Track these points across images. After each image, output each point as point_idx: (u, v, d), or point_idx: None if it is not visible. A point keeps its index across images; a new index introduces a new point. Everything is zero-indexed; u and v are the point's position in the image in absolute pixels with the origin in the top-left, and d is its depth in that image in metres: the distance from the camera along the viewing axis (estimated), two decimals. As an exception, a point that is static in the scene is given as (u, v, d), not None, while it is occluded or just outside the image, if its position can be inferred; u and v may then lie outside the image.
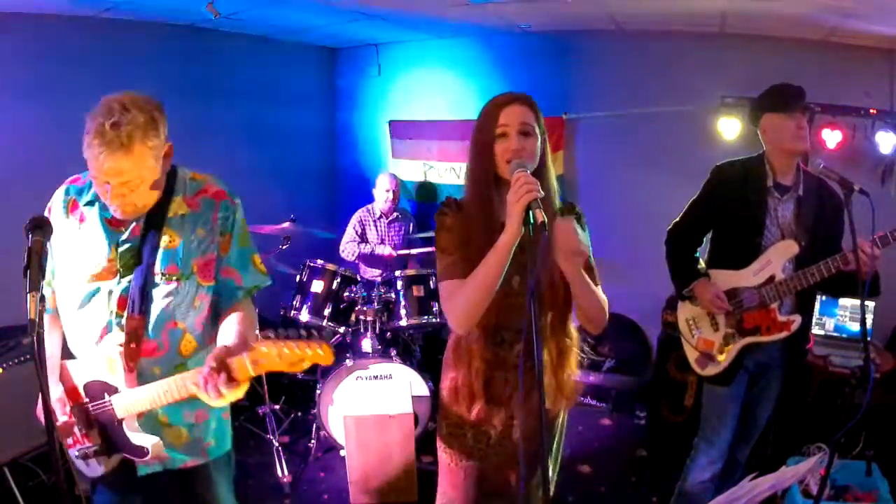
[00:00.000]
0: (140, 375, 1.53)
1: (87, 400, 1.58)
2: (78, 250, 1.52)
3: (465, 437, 1.69)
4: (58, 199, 1.58)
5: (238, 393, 1.38)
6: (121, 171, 1.39)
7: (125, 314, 1.50)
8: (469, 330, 1.57)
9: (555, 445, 1.77)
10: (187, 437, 1.62)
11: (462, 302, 1.50)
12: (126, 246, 1.52)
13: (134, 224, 1.53)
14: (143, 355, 1.53)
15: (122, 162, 1.38)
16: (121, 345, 1.50)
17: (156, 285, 1.52)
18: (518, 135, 1.48)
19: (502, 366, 1.61)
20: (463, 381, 1.64)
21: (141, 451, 1.54)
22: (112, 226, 1.53)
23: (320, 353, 1.32)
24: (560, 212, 1.58)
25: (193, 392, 1.42)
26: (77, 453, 1.60)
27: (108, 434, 1.57)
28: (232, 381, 1.36)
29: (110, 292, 1.52)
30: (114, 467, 1.60)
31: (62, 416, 1.57)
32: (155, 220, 1.53)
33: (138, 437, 1.54)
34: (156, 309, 1.52)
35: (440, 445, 1.76)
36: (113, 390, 1.53)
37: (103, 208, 1.52)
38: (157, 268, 1.53)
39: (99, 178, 1.41)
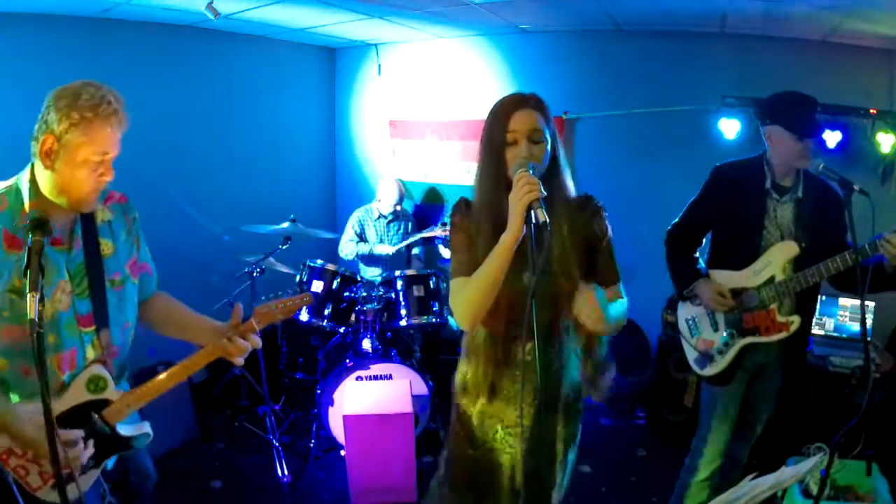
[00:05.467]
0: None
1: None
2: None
3: (472, 423, 1.71)
4: None
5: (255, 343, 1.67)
6: (118, 140, 1.41)
7: (93, 330, 1.52)
8: (473, 327, 1.61)
9: (572, 445, 1.73)
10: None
11: (465, 299, 1.54)
12: (76, 263, 1.50)
13: (74, 238, 1.50)
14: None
15: (121, 130, 1.41)
16: (101, 360, 1.53)
17: (110, 294, 1.56)
18: (527, 142, 1.48)
19: (514, 363, 1.62)
20: (471, 378, 1.69)
21: (132, 441, 1.61)
22: (57, 246, 1.46)
23: (306, 300, 1.79)
24: (577, 204, 1.62)
25: (214, 357, 1.63)
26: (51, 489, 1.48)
27: (97, 447, 1.55)
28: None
29: (75, 315, 1.49)
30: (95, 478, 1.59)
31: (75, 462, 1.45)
32: (89, 230, 1.52)
33: (130, 430, 1.61)
34: (114, 316, 1.57)
35: (453, 429, 1.77)
36: (102, 405, 1.53)
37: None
38: (106, 277, 1.55)
39: (101, 153, 1.39)
